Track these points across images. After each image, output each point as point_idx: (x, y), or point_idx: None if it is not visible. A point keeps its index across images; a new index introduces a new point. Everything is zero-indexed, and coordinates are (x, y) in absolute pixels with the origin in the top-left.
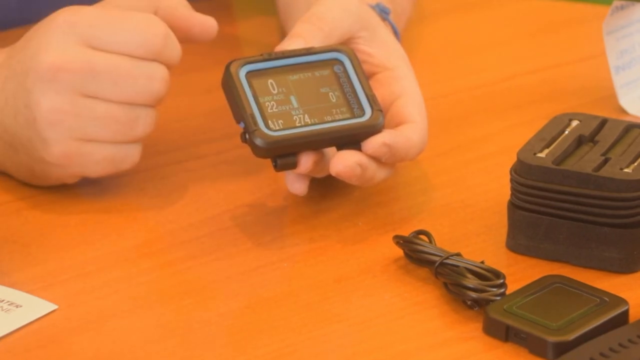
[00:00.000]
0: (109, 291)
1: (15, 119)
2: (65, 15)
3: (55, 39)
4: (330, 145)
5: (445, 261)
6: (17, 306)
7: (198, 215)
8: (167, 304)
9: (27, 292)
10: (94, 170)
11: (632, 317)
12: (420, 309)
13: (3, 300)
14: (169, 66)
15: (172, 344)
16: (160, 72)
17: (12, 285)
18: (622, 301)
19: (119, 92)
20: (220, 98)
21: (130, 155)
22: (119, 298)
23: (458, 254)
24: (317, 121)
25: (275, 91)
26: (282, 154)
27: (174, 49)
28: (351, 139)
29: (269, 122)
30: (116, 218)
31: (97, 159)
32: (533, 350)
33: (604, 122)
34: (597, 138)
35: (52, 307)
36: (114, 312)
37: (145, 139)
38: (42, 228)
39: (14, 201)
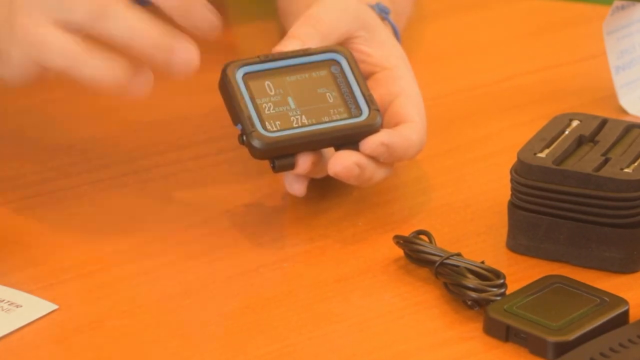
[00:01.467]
0: (109, 291)
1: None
2: None
3: None
4: (328, 145)
5: (445, 261)
6: (17, 306)
7: (198, 215)
8: (167, 304)
9: (27, 292)
10: (52, 59)
11: (632, 317)
12: (420, 309)
13: (3, 300)
14: None
15: (172, 344)
16: None
17: (12, 285)
18: (622, 301)
19: None
20: (220, 98)
21: (91, 66)
22: (119, 298)
23: (458, 254)
24: (314, 122)
25: (273, 92)
26: (280, 155)
27: None
28: (349, 139)
29: (266, 123)
30: (116, 218)
31: (58, 48)
32: (533, 350)
33: (604, 122)
34: (597, 138)
35: (52, 307)
36: (114, 312)
37: (90, 21)
38: (42, 228)
39: (14, 201)
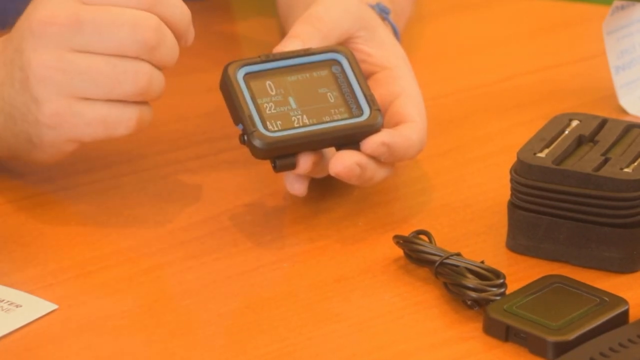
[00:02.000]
0: (109, 291)
1: (13, 86)
2: None
3: None
4: (329, 145)
5: (445, 261)
6: (17, 306)
7: (198, 215)
8: (167, 304)
9: (27, 292)
10: (86, 132)
11: (632, 317)
12: (420, 309)
13: (3, 300)
14: (164, 19)
15: (172, 344)
16: (147, 20)
17: (12, 285)
18: (622, 301)
19: (102, 43)
20: (220, 98)
21: (125, 119)
22: (119, 298)
23: (458, 254)
24: (315, 122)
25: (274, 92)
26: (281, 155)
27: (176, 3)
28: (350, 139)
29: (268, 123)
30: (116, 218)
31: (88, 120)
32: (533, 350)
33: (604, 122)
34: (597, 138)
35: (52, 307)
36: (114, 312)
37: (138, 97)
38: (42, 228)
39: (14, 201)
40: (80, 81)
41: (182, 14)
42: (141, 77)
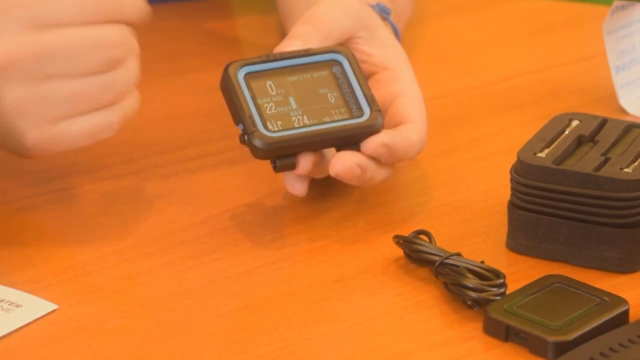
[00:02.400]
0: (109, 291)
1: None
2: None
3: None
4: (329, 146)
5: (445, 261)
6: (17, 306)
7: (198, 215)
8: (167, 304)
9: (27, 292)
10: (75, 145)
11: (632, 317)
12: (420, 309)
13: (3, 300)
14: (130, 23)
15: (172, 344)
16: (114, 35)
17: (12, 285)
18: (622, 301)
19: (76, 67)
20: (220, 98)
21: (109, 124)
22: (119, 298)
23: (458, 254)
24: (315, 122)
25: (274, 92)
26: (281, 155)
27: (131, 3)
28: (350, 140)
29: (268, 123)
30: (116, 218)
31: (75, 136)
32: (533, 350)
33: (604, 122)
34: (597, 138)
35: (52, 307)
36: (114, 312)
37: (120, 99)
38: (42, 228)
39: (14, 201)
40: (62, 106)
41: (139, 8)
42: (119, 84)
